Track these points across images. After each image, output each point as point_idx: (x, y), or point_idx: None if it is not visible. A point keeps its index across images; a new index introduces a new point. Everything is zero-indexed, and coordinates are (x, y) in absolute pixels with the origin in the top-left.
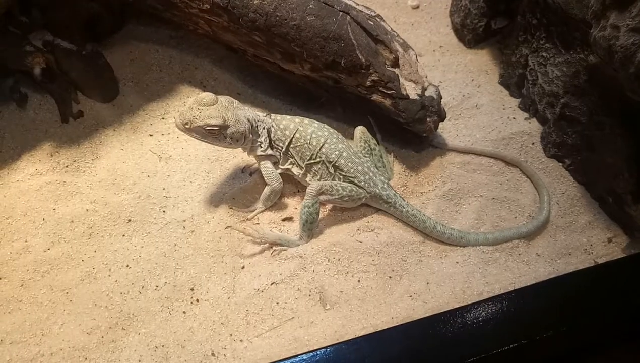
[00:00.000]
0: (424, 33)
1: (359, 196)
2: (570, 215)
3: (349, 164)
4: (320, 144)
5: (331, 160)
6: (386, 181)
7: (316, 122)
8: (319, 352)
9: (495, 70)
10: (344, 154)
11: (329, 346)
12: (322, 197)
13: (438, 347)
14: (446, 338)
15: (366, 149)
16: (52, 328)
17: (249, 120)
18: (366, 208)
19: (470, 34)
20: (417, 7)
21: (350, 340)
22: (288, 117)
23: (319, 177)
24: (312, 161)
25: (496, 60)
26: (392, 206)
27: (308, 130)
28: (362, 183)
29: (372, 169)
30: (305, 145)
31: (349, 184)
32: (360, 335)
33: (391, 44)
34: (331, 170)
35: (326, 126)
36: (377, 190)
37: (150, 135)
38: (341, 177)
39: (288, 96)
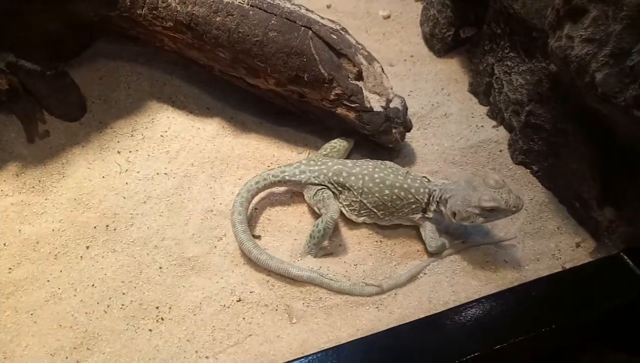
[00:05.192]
0: (395, 43)
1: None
2: (539, 221)
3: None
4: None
5: None
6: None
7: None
8: None
9: (465, 79)
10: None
11: (290, 361)
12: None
13: (400, 358)
14: (408, 349)
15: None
16: (15, 351)
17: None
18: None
19: (440, 43)
20: (388, 17)
21: (309, 355)
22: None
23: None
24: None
25: (465, 69)
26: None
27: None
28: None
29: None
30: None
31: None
32: (324, 348)
33: (355, 57)
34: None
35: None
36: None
37: (118, 152)
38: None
39: (257, 110)
